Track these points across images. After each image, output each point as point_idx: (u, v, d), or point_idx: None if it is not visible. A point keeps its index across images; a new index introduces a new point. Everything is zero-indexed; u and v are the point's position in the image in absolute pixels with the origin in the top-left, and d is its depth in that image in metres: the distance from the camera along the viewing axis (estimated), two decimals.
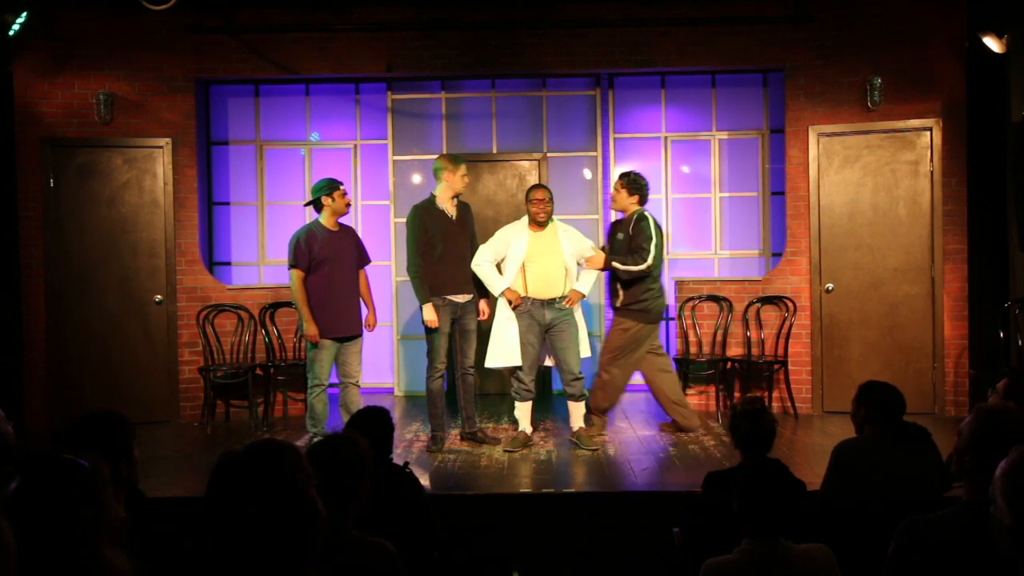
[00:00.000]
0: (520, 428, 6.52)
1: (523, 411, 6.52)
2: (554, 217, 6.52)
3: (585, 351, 6.54)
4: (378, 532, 2.76)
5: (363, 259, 6.59)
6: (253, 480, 1.95)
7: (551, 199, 6.45)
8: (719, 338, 7.83)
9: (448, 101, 8.75)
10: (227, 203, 8.72)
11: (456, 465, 6.04)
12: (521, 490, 5.38)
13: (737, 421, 3.73)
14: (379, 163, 8.79)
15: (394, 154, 8.68)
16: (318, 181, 6.54)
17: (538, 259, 6.39)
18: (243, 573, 1.92)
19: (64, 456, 2.07)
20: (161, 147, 7.90)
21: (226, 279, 8.52)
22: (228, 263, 8.74)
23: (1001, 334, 7.04)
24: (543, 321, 6.39)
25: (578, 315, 6.52)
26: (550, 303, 6.37)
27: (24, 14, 7.27)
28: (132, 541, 2.38)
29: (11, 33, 7.29)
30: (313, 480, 2.03)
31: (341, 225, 6.47)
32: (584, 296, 6.49)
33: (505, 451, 6.35)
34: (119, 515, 2.14)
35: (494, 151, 8.75)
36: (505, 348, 6.42)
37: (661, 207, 8.76)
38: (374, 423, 3.71)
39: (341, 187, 6.45)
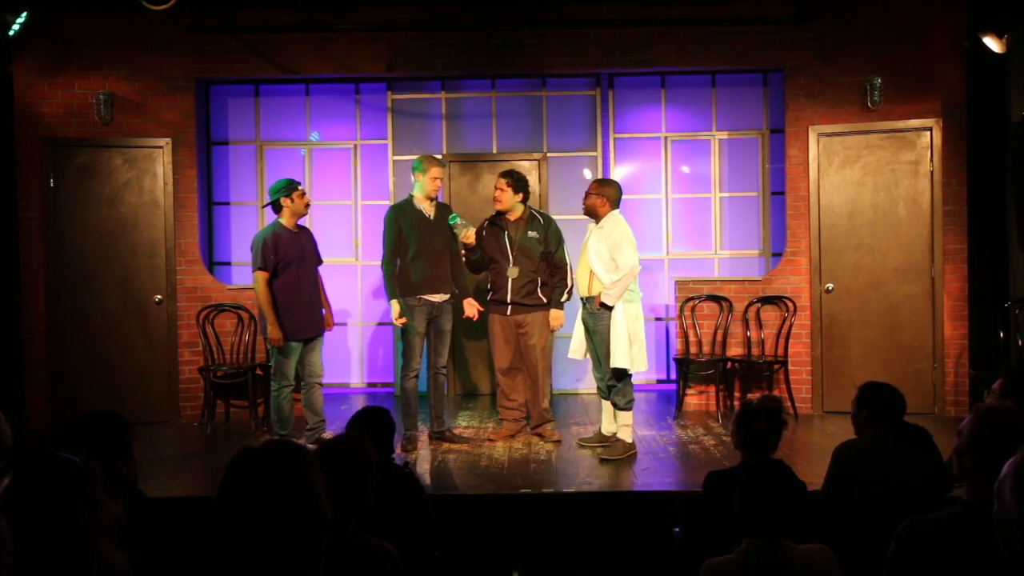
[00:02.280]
0: (599, 426, 6.57)
1: (603, 410, 6.50)
2: (612, 213, 6.24)
3: (615, 359, 6.07)
4: (378, 532, 2.76)
5: (318, 259, 6.59)
6: (269, 479, 1.96)
7: (594, 192, 6.30)
8: (719, 338, 7.83)
9: (448, 101, 8.75)
10: (227, 203, 8.72)
11: (456, 465, 6.04)
12: (521, 490, 5.38)
13: (751, 418, 3.60)
14: (379, 163, 8.79)
15: (394, 154, 8.68)
16: (276, 182, 6.50)
17: (582, 256, 6.34)
18: (249, 574, 1.92)
19: (57, 454, 2.07)
20: (161, 147, 7.90)
21: (226, 279, 8.52)
22: (228, 263, 8.74)
23: (1001, 334, 7.04)
24: (584, 318, 6.36)
25: (614, 320, 6.09)
26: (583, 302, 6.34)
27: (24, 14, 7.27)
28: (131, 540, 2.38)
29: (11, 33, 7.29)
30: (323, 484, 2.03)
31: (299, 226, 6.46)
32: (603, 302, 6.08)
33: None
34: (116, 513, 2.14)
35: (494, 151, 8.75)
36: (575, 340, 6.45)
37: (661, 207, 8.76)
38: (375, 423, 3.70)
39: (300, 187, 6.43)
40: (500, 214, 6.65)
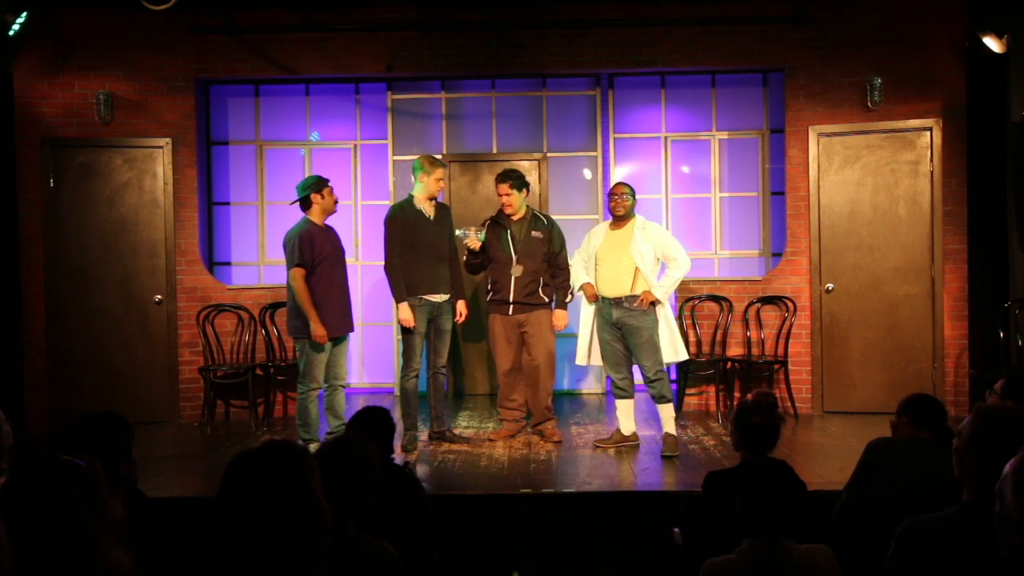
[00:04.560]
0: (618, 425, 6.52)
1: (620, 410, 6.48)
2: (638, 215, 6.42)
3: (671, 354, 6.35)
4: (378, 533, 2.76)
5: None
6: (268, 481, 1.96)
7: (630, 193, 6.37)
8: (719, 338, 7.83)
9: (448, 101, 8.75)
10: (227, 203, 8.72)
11: (456, 465, 6.04)
12: (521, 490, 5.38)
13: (746, 414, 3.58)
14: (379, 163, 8.79)
15: (394, 154, 8.67)
16: (304, 179, 6.45)
17: (607, 256, 6.34)
18: (250, 574, 1.93)
19: (61, 457, 2.07)
20: (161, 147, 7.90)
21: (226, 279, 8.52)
22: (228, 263, 8.74)
23: (1001, 334, 7.04)
24: (611, 319, 6.32)
25: (663, 315, 6.32)
26: (617, 302, 6.29)
27: (24, 14, 7.27)
28: (132, 540, 2.38)
29: (11, 33, 7.28)
30: (322, 485, 2.03)
31: (326, 224, 6.42)
32: (656, 299, 6.21)
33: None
34: (119, 513, 2.14)
35: (494, 151, 8.75)
36: (583, 347, 6.48)
37: (661, 207, 8.76)
38: (375, 423, 3.71)
39: (329, 184, 6.38)
40: (503, 213, 6.64)
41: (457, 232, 6.55)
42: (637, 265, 6.23)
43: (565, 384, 8.74)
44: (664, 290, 6.27)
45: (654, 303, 6.25)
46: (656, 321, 6.29)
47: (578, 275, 6.49)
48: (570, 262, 6.58)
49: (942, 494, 3.30)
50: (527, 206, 6.68)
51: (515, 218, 6.60)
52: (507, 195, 6.53)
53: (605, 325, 6.36)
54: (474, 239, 6.46)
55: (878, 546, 2.98)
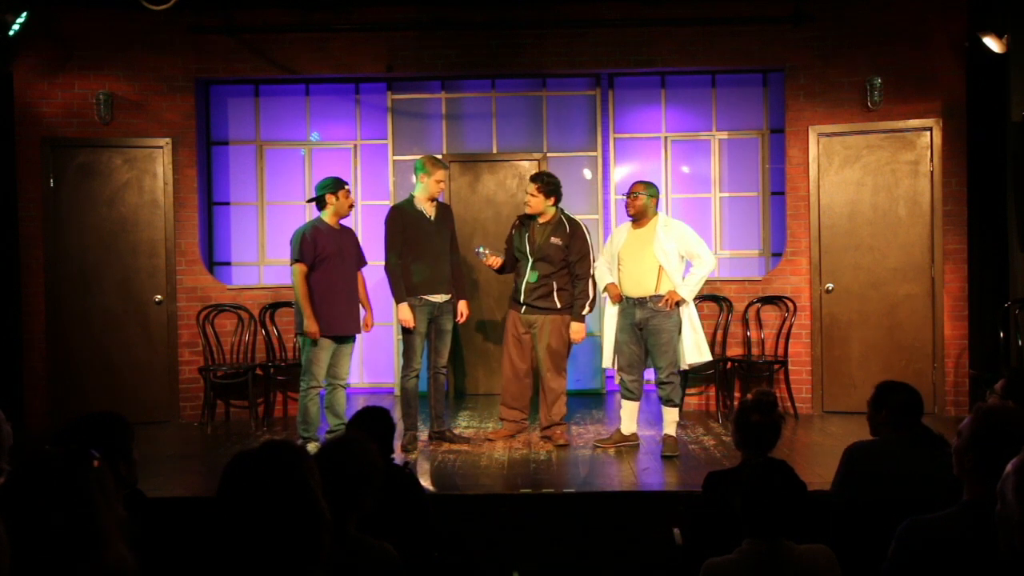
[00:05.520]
0: (620, 425, 6.49)
1: (624, 409, 6.45)
2: (660, 213, 6.42)
3: (695, 354, 6.29)
4: (378, 533, 2.76)
5: (360, 260, 6.57)
6: (267, 481, 1.96)
7: (644, 193, 6.35)
8: (719, 338, 7.83)
9: (448, 101, 8.75)
10: (227, 203, 8.72)
11: (456, 465, 6.04)
12: (521, 490, 5.38)
13: (746, 413, 3.59)
14: (379, 163, 8.78)
15: (394, 154, 8.67)
16: (324, 179, 6.48)
17: (630, 256, 6.31)
18: (249, 574, 1.93)
19: (74, 447, 2.08)
20: (161, 147, 7.90)
21: (226, 279, 8.52)
22: (228, 263, 8.74)
23: (1001, 334, 7.04)
24: (634, 319, 6.29)
25: (688, 315, 6.28)
26: (641, 302, 6.26)
27: (24, 14, 7.27)
28: (132, 540, 2.38)
29: (11, 33, 7.28)
30: (321, 485, 2.03)
31: (342, 225, 6.45)
32: (681, 298, 6.18)
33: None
34: (120, 513, 2.15)
35: (494, 151, 8.75)
36: (609, 349, 6.46)
37: (661, 207, 8.74)
38: (375, 423, 3.71)
39: (346, 187, 6.40)
40: (530, 216, 6.58)
41: (476, 250, 6.62)
42: (661, 264, 6.21)
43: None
44: (689, 289, 6.23)
45: (679, 303, 6.22)
46: (679, 324, 6.26)
47: (602, 276, 6.44)
48: (594, 266, 6.50)
49: (928, 493, 3.33)
50: (559, 209, 6.55)
51: (541, 220, 6.53)
52: (532, 196, 6.48)
53: (626, 326, 6.32)
54: (490, 258, 6.52)
55: (877, 546, 2.98)
